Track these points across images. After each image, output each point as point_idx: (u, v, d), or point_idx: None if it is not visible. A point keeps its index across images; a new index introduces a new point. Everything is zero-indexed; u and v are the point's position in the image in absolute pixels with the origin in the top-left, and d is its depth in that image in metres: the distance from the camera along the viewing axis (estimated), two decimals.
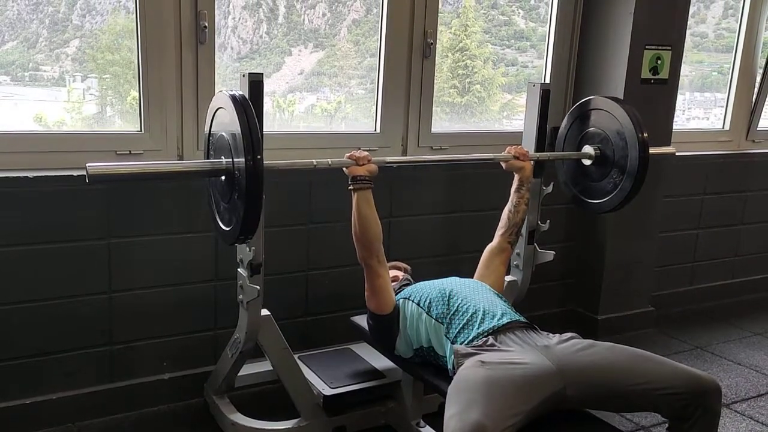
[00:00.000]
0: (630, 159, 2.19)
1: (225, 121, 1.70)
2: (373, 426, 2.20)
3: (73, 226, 2.06)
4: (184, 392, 2.30)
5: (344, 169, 1.94)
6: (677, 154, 3.17)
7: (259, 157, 1.58)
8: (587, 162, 2.34)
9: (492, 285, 2.09)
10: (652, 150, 2.20)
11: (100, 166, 1.57)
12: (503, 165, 2.23)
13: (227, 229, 1.76)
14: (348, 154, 1.93)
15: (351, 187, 1.93)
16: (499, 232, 2.22)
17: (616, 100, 2.31)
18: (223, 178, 1.71)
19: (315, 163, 1.86)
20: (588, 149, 2.33)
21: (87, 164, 1.55)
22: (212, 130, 1.81)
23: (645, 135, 2.18)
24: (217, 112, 1.77)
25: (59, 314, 2.09)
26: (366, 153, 1.95)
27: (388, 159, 2.07)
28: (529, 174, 2.22)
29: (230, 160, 1.67)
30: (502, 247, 2.20)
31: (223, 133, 1.71)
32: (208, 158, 1.83)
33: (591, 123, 2.35)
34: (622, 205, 2.28)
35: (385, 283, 1.98)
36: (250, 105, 1.64)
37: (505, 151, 2.22)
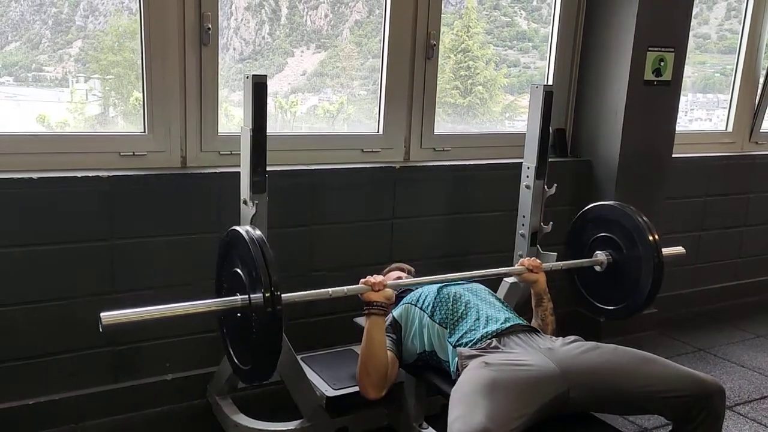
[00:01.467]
0: (644, 264, 2.14)
1: (239, 257, 1.66)
2: (376, 427, 2.20)
3: (76, 227, 2.06)
4: (187, 393, 2.30)
5: (360, 295, 1.91)
6: (680, 155, 3.20)
7: (278, 293, 1.53)
8: (599, 269, 2.29)
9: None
10: (665, 251, 2.16)
11: (114, 315, 1.55)
12: (517, 279, 2.20)
13: (246, 368, 1.71)
14: (363, 280, 1.91)
15: (365, 312, 1.91)
16: None
17: (621, 205, 2.28)
18: (238, 315, 1.66)
19: (330, 293, 1.82)
20: (600, 256, 2.28)
21: (101, 314, 1.53)
22: (225, 263, 1.77)
23: (656, 237, 2.14)
24: (230, 246, 1.73)
25: (62, 315, 2.09)
26: (381, 278, 1.92)
27: (404, 281, 2.04)
28: (544, 286, 2.15)
29: (246, 296, 1.62)
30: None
31: (237, 269, 1.67)
32: (220, 291, 1.79)
33: (601, 228, 2.30)
34: (639, 311, 2.23)
35: (391, 380, 1.93)
36: (265, 241, 1.60)
37: (518, 264, 2.19)
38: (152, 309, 1.64)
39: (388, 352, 1.93)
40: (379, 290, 1.89)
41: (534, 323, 2.13)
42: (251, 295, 1.59)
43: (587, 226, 2.36)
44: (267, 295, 1.52)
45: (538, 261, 2.18)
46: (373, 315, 1.89)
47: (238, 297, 1.65)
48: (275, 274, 1.55)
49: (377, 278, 1.91)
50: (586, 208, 2.38)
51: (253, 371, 1.66)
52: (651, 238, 2.14)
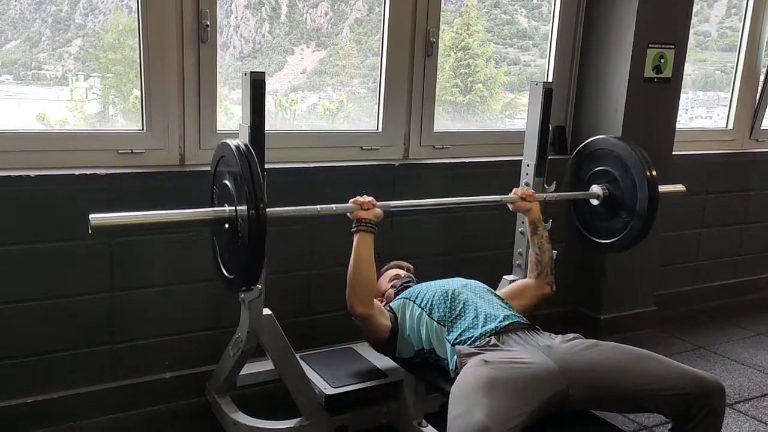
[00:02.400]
0: (639, 198, 2.16)
1: (228, 170, 1.70)
2: (375, 425, 2.20)
3: (74, 224, 2.06)
4: (185, 391, 2.30)
5: (348, 214, 1.93)
6: (680, 153, 3.19)
7: (262, 205, 1.57)
8: (595, 202, 2.31)
9: (516, 309, 2.03)
10: (661, 188, 2.17)
11: (103, 217, 1.57)
12: (510, 207, 2.21)
13: (231, 277, 1.75)
14: (352, 200, 1.93)
15: (354, 228, 1.92)
16: (532, 275, 2.18)
17: (622, 139, 2.29)
18: (226, 226, 1.70)
19: (319, 210, 1.86)
20: (596, 189, 2.30)
21: (90, 215, 1.54)
22: (216, 177, 1.81)
23: (654, 173, 2.15)
24: (221, 160, 1.77)
25: (61, 313, 2.09)
26: (370, 198, 1.94)
27: (392, 204, 2.05)
28: (538, 214, 2.18)
29: (233, 208, 1.66)
30: (541, 287, 2.17)
31: (226, 182, 1.71)
32: (212, 205, 1.82)
33: (599, 162, 2.31)
34: (632, 245, 2.25)
35: (377, 324, 1.95)
36: (253, 154, 1.64)
37: (512, 193, 2.21)
38: (142, 214, 1.68)
39: (377, 303, 1.96)
40: (368, 209, 1.92)
41: (530, 253, 2.18)
42: (238, 207, 1.64)
43: (585, 161, 2.37)
44: (252, 206, 1.57)
45: (532, 190, 2.21)
46: (362, 232, 1.91)
47: (227, 208, 1.69)
48: (261, 187, 1.59)
49: (366, 198, 1.94)
50: (586, 142, 2.39)
51: (238, 279, 1.70)
52: (648, 173, 2.15)
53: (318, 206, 1.86)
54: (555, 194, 2.31)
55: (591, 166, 2.35)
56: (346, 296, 1.92)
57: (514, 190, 2.23)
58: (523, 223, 2.38)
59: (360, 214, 1.92)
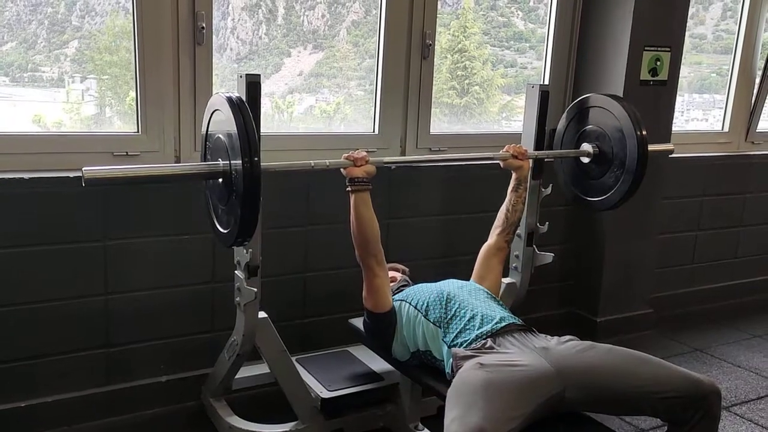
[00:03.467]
0: (629, 155, 2.18)
1: (221, 123, 1.69)
2: (371, 429, 2.19)
3: (69, 227, 2.06)
4: (181, 395, 2.29)
5: (342, 170, 1.93)
6: (677, 155, 3.19)
7: (256, 158, 1.57)
8: (586, 160, 2.33)
9: (490, 285, 2.09)
10: (651, 147, 2.20)
11: (95, 170, 1.56)
12: (501, 164, 2.22)
13: (225, 231, 1.75)
14: (345, 155, 1.92)
15: (349, 189, 1.92)
16: (495, 231, 2.21)
17: (613, 97, 2.30)
18: (220, 180, 1.69)
19: (313, 165, 1.86)
20: (586, 147, 2.32)
21: (83, 168, 1.54)
22: (209, 132, 1.80)
23: (643, 131, 2.17)
24: (214, 113, 1.76)
25: (55, 316, 2.08)
26: (364, 153, 1.94)
27: (386, 159, 2.07)
28: (527, 173, 2.22)
29: (227, 162, 1.65)
30: (500, 246, 2.19)
31: (220, 135, 1.70)
32: (205, 160, 1.82)
33: (589, 121, 2.34)
34: (622, 201, 2.27)
35: (383, 283, 1.97)
36: (246, 106, 1.63)
37: (504, 150, 2.21)
38: (136, 167, 1.69)
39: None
40: (361, 165, 1.91)
41: (502, 209, 2.21)
42: (232, 161, 1.62)
43: (576, 118, 2.38)
44: (246, 158, 1.55)
45: (524, 148, 2.22)
46: (358, 192, 1.91)
47: (220, 162, 1.68)
48: (255, 139, 1.57)
49: (360, 153, 1.93)
50: (578, 99, 2.40)
51: (232, 232, 1.69)
52: (638, 132, 2.16)
53: (311, 161, 1.86)
54: (546, 152, 2.33)
55: (582, 124, 2.36)
56: (355, 251, 1.94)
57: (505, 147, 2.22)
58: (519, 226, 2.38)
59: (353, 171, 1.91)
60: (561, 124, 2.45)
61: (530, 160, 2.24)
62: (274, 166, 1.79)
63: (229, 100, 1.63)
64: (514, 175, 2.21)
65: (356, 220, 1.91)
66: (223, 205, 1.73)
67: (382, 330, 2.00)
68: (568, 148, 2.40)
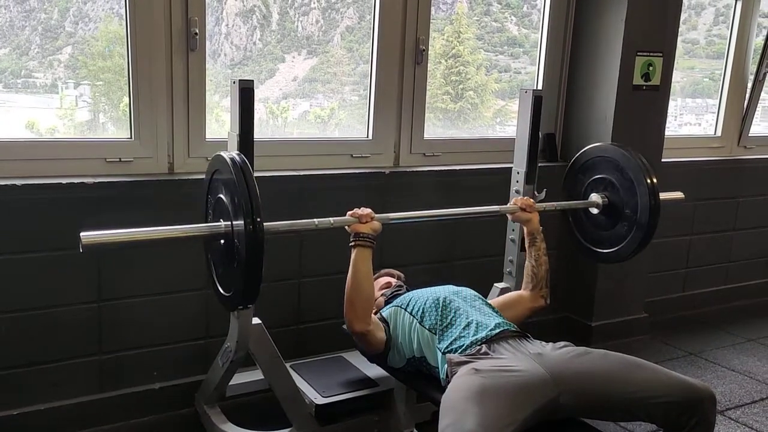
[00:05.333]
0: (640, 206, 2.12)
1: (223, 183, 1.66)
2: None
3: (62, 234, 2.04)
4: (174, 402, 2.27)
5: (346, 227, 1.90)
6: (670, 160, 3.21)
7: (258, 219, 1.53)
8: (595, 211, 2.28)
9: (508, 319, 2.01)
10: (662, 196, 2.15)
11: (94, 236, 1.53)
12: (509, 217, 2.19)
13: (227, 294, 1.72)
14: (350, 212, 1.90)
15: (352, 243, 1.90)
16: (527, 287, 2.15)
17: (619, 145, 2.26)
18: (222, 242, 1.66)
19: (317, 224, 1.82)
20: (595, 197, 2.27)
21: (81, 233, 1.51)
22: (210, 190, 1.77)
23: (654, 180, 2.12)
24: (215, 173, 1.73)
25: (47, 323, 2.07)
26: (369, 210, 1.91)
27: (392, 216, 2.02)
28: (537, 225, 2.15)
29: (229, 223, 1.62)
30: (536, 300, 2.13)
31: (221, 195, 1.67)
32: (206, 221, 1.78)
33: (596, 170, 2.28)
34: (634, 254, 2.22)
35: (374, 338, 1.94)
36: (249, 167, 1.60)
37: (511, 203, 2.18)
38: (135, 231, 1.63)
39: (374, 317, 1.93)
40: (366, 222, 1.88)
41: (527, 265, 2.14)
42: (234, 222, 1.59)
43: (583, 168, 2.34)
44: (249, 221, 1.52)
45: (531, 200, 2.17)
46: (360, 246, 1.88)
47: (222, 223, 1.65)
48: (258, 201, 1.54)
49: (365, 210, 1.91)
50: (583, 150, 2.36)
51: (235, 297, 1.66)
52: (648, 180, 2.11)
53: (315, 220, 1.82)
54: (555, 203, 2.27)
55: (588, 174, 2.31)
56: (343, 312, 1.90)
57: (513, 199, 2.19)
58: (513, 230, 2.38)
59: (359, 227, 1.88)
60: (568, 174, 2.40)
61: (538, 212, 2.18)
62: (276, 226, 1.75)
63: (232, 161, 1.60)
64: (526, 230, 2.16)
65: (353, 277, 1.88)
66: (225, 268, 1.70)
67: (378, 359, 2.03)
68: (576, 198, 2.34)
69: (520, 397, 1.58)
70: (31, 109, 2.28)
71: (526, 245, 2.15)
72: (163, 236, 1.68)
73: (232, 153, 1.66)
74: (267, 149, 2.29)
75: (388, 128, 2.65)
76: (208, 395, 2.17)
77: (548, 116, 3.00)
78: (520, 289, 2.23)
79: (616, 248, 2.25)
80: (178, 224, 2.17)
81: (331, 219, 1.85)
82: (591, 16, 2.95)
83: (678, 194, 2.39)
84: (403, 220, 2.10)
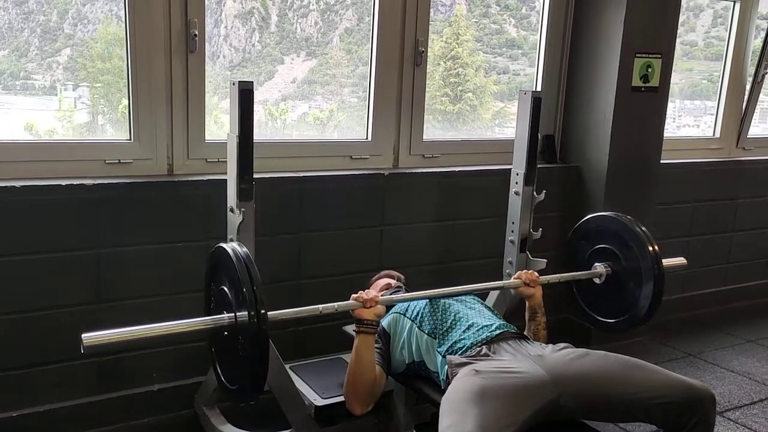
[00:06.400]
0: (644, 274, 2.11)
1: (226, 276, 1.64)
2: None
3: (61, 235, 2.04)
4: (174, 404, 2.27)
5: (351, 311, 1.89)
6: (668, 161, 3.21)
7: (263, 311, 1.51)
8: (598, 281, 2.26)
9: None
10: (665, 262, 2.14)
11: (95, 336, 1.51)
12: (512, 291, 2.17)
13: (233, 388, 1.69)
14: (355, 296, 1.87)
15: (355, 330, 1.89)
16: None
17: (618, 216, 2.25)
18: (225, 333, 1.64)
19: (321, 310, 1.80)
20: (599, 267, 2.25)
21: (82, 335, 1.50)
22: (213, 280, 1.75)
23: (656, 248, 2.11)
24: (217, 265, 1.71)
25: (47, 325, 2.07)
26: (373, 294, 1.88)
27: (396, 297, 1.99)
28: (540, 300, 2.12)
29: (232, 314, 1.60)
30: None
31: (224, 287, 1.65)
32: (209, 310, 1.77)
33: (598, 240, 2.26)
34: (640, 324, 2.20)
35: (379, 392, 1.93)
36: (251, 260, 1.59)
37: (514, 277, 2.15)
38: (136, 329, 1.60)
39: (376, 366, 1.91)
40: (370, 307, 1.86)
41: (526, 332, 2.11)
42: (237, 314, 1.57)
43: (584, 238, 2.32)
44: (253, 314, 1.50)
45: (536, 274, 2.12)
46: (363, 333, 1.87)
47: (225, 315, 1.62)
48: (261, 294, 1.52)
49: (369, 294, 1.87)
50: (583, 219, 2.35)
51: (240, 391, 1.64)
52: (651, 248, 2.11)
53: (320, 306, 1.80)
54: (558, 276, 2.23)
55: (590, 243, 2.29)
56: (343, 393, 1.90)
57: (517, 273, 2.16)
58: (513, 232, 2.38)
59: (363, 313, 1.85)
60: (569, 244, 2.38)
61: (541, 287, 2.14)
62: (281, 314, 1.73)
63: (235, 255, 1.59)
64: (528, 304, 2.12)
65: (355, 363, 1.87)
66: (228, 360, 1.68)
67: None
68: (579, 268, 2.31)
69: (521, 398, 1.58)
70: (30, 110, 2.28)
71: (527, 318, 2.12)
72: (167, 332, 1.64)
73: (233, 245, 1.64)
74: (266, 151, 2.29)
75: (387, 130, 2.65)
76: (207, 396, 2.17)
77: (547, 118, 3.00)
78: (518, 296, 2.19)
79: (621, 318, 2.22)
80: (176, 225, 2.18)
81: (335, 304, 1.82)
82: (590, 17, 2.95)
83: (680, 260, 2.37)
84: (406, 302, 2.04)
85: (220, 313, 1.64)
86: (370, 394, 1.89)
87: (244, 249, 1.62)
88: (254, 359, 1.53)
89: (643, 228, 2.16)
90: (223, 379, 1.73)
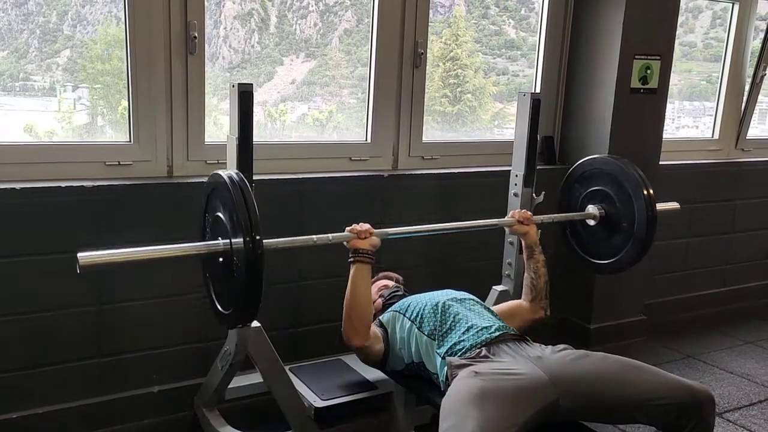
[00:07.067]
0: (637, 218, 2.13)
1: (221, 201, 1.66)
2: None
3: (60, 237, 2.04)
4: (173, 405, 2.27)
5: (345, 243, 1.90)
6: (668, 162, 3.22)
7: (258, 237, 1.52)
8: (592, 222, 2.28)
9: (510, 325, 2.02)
10: (659, 206, 2.16)
11: (91, 256, 1.51)
12: (507, 230, 2.19)
13: (226, 312, 1.71)
14: (349, 228, 1.90)
15: (351, 259, 1.90)
16: (526, 298, 2.15)
17: (615, 157, 2.27)
18: (220, 260, 1.65)
19: (315, 240, 1.82)
20: (592, 209, 2.27)
21: (78, 254, 1.50)
22: (208, 209, 1.76)
23: (650, 191, 2.13)
24: (213, 191, 1.72)
25: (46, 327, 2.07)
26: (368, 226, 1.91)
27: (390, 231, 2.01)
28: (535, 238, 2.15)
29: (228, 241, 1.61)
30: (535, 311, 2.13)
31: (219, 214, 1.67)
32: (204, 236, 1.78)
33: (593, 182, 2.29)
34: (631, 265, 2.22)
35: (372, 350, 1.95)
36: (247, 185, 1.60)
37: (509, 216, 2.18)
38: (132, 251, 1.63)
39: (373, 328, 1.93)
40: (365, 238, 1.88)
41: (526, 276, 2.15)
42: (233, 240, 1.59)
43: (579, 181, 2.34)
44: (248, 239, 1.51)
45: (529, 213, 2.18)
46: (359, 263, 1.89)
47: (220, 241, 1.64)
48: (257, 219, 1.54)
49: (363, 226, 1.91)
50: (577, 163, 2.37)
51: (234, 315, 1.65)
52: (645, 191, 2.12)
53: (314, 236, 1.82)
54: (552, 216, 2.27)
55: (585, 186, 2.31)
56: (341, 326, 1.91)
57: (511, 212, 2.19)
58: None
59: (358, 243, 1.88)
60: (564, 185, 2.40)
61: (536, 225, 2.19)
62: (275, 243, 1.74)
63: (231, 180, 1.60)
64: (524, 243, 2.16)
65: (351, 293, 1.89)
66: (223, 286, 1.69)
67: (378, 363, 2.03)
68: (573, 210, 2.34)
69: (520, 400, 1.58)
70: (30, 112, 2.28)
71: (525, 258, 2.16)
72: (162, 255, 1.67)
73: (230, 171, 1.66)
74: (265, 152, 2.29)
75: (386, 131, 2.65)
76: (207, 398, 2.17)
77: (546, 119, 3.00)
78: (518, 297, 2.23)
79: (613, 259, 2.26)
80: (176, 227, 2.19)
81: (329, 235, 1.85)
82: (589, 19, 2.96)
83: (674, 204, 2.40)
84: (401, 235, 2.09)
85: (216, 239, 1.67)
86: (367, 326, 1.91)
87: (240, 176, 1.63)
88: (249, 283, 1.53)
89: (639, 171, 2.17)
90: (217, 304, 1.74)
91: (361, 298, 1.88)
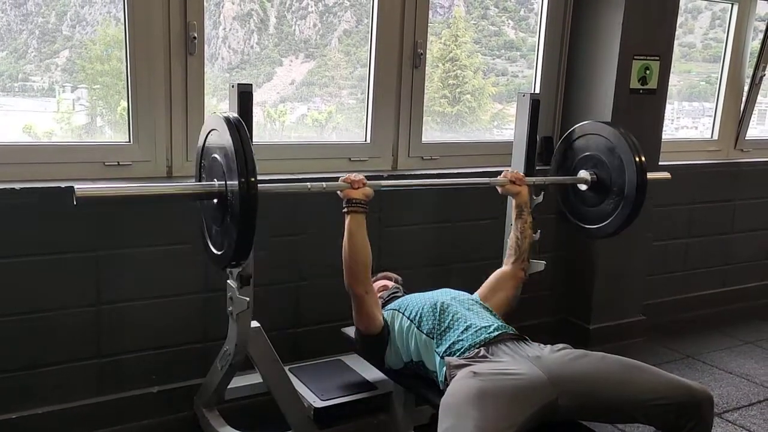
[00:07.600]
0: (628, 183, 2.15)
1: (217, 143, 1.67)
2: None
3: (60, 237, 2.04)
4: (173, 405, 2.27)
5: (339, 192, 1.91)
6: (667, 163, 3.21)
7: (253, 179, 1.54)
8: (583, 187, 2.30)
9: (495, 306, 2.05)
10: (649, 175, 2.17)
11: (88, 188, 1.54)
12: (499, 189, 2.21)
13: (218, 253, 1.72)
14: (343, 177, 1.91)
15: (345, 210, 1.90)
16: (509, 260, 2.17)
17: (610, 124, 2.29)
18: (215, 201, 1.66)
19: (309, 187, 1.84)
20: (584, 174, 2.29)
21: (75, 186, 1.52)
22: (204, 151, 1.77)
23: (642, 158, 2.15)
24: (210, 133, 1.74)
25: (46, 327, 2.07)
26: (361, 176, 1.92)
27: (384, 183, 2.03)
28: (527, 198, 2.17)
29: (223, 182, 1.62)
30: (516, 274, 2.16)
31: (216, 155, 1.68)
32: (199, 180, 1.79)
33: (586, 148, 2.31)
34: (620, 230, 2.24)
35: (372, 308, 1.95)
36: (244, 126, 1.61)
37: (501, 176, 2.20)
38: (128, 186, 1.67)
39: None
40: (358, 188, 1.89)
41: (511, 236, 2.18)
42: (228, 181, 1.60)
43: (572, 147, 2.37)
44: (243, 179, 1.53)
45: (521, 173, 2.20)
46: (353, 213, 1.89)
47: (216, 182, 1.66)
48: (252, 159, 1.55)
49: (357, 176, 1.91)
50: (572, 129, 2.39)
51: (227, 254, 1.66)
52: (637, 158, 2.14)
53: (308, 183, 1.84)
54: (544, 179, 2.31)
55: (578, 151, 2.35)
56: (344, 277, 1.91)
57: (503, 172, 2.21)
58: (511, 225, 2.39)
59: (351, 193, 1.89)
60: (557, 151, 2.42)
61: (528, 186, 2.21)
62: (270, 188, 1.77)
63: (227, 120, 1.60)
64: (514, 202, 2.18)
65: (349, 243, 1.89)
66: (218, 227, 1.70)
67: (375, 348, 2.01)
68: (565, 174, 2.36)
69: (519, 399, 1.58)
70: (29, 112, 2.28)
71: (513, 217, 2.19)
72: (157, 192, 1.72)
73: (227, 112, 1.66)
74: (265, 153, 2.29)
75: (386, 132, 2.66)
76: (206, 398, 2.17)
77: (546, 119, 3.01)
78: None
79: (601, 224, 2.28)
80: (176, 226, 2.19)
81: (323, 183, 1.87)
82: (588, 19, 2.96)
83: (665, 174, 2.44)
84: (395, 188, 2.14)
85: (211, 180, 1.68)
86: (366, 274, 1.92)
87: (237, 117, 1.63)
88: (242, 219, 1.55)
89: (632, 138, 2.19)
90: (211, 246, 1.76)
91: (359, 244, 1.89)
